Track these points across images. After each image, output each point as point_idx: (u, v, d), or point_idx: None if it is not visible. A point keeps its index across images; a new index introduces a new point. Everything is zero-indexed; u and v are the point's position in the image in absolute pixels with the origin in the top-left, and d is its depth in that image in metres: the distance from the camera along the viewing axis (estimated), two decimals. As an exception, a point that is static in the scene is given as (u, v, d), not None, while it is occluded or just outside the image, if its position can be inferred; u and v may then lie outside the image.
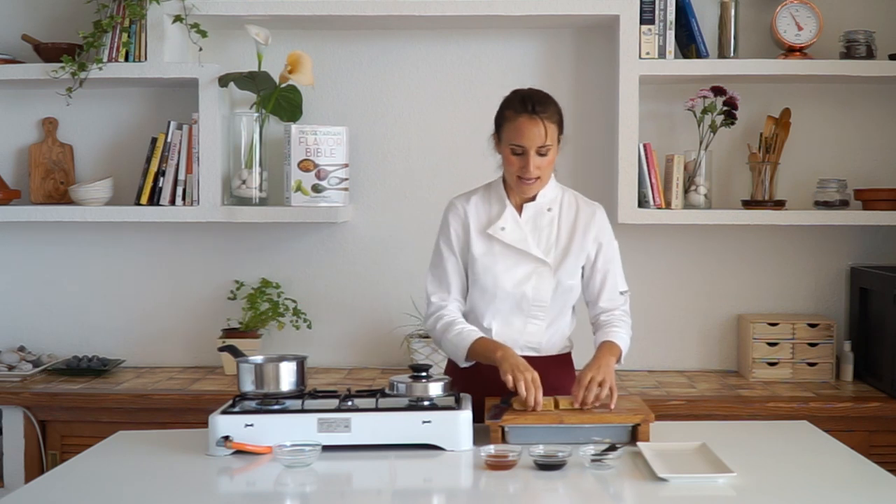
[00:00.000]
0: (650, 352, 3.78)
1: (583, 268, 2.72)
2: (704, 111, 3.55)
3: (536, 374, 2.47)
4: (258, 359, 2.55)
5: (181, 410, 3.29)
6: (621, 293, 2.76)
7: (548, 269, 2.66)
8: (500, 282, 2.66)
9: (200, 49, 3.59)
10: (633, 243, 3.78)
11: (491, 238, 2.68)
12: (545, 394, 2.52)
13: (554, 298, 2.68)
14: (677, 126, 3.73)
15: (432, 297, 2.73)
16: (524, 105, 2.60)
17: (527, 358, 2.65)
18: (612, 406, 2.48)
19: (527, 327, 2.69)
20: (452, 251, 2.72)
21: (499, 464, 2.25)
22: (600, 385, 2.48)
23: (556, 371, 2.72)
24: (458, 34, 3.77)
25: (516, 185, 2.66)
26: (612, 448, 2.28)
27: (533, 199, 2.69)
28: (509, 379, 2.46)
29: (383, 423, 2.39)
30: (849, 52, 3.57)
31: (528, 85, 3.72)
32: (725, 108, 3.55)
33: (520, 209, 2.70)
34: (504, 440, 2.41)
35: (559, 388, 2.67)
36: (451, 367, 2.84)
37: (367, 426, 2.38)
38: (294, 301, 3.77)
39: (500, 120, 2.67)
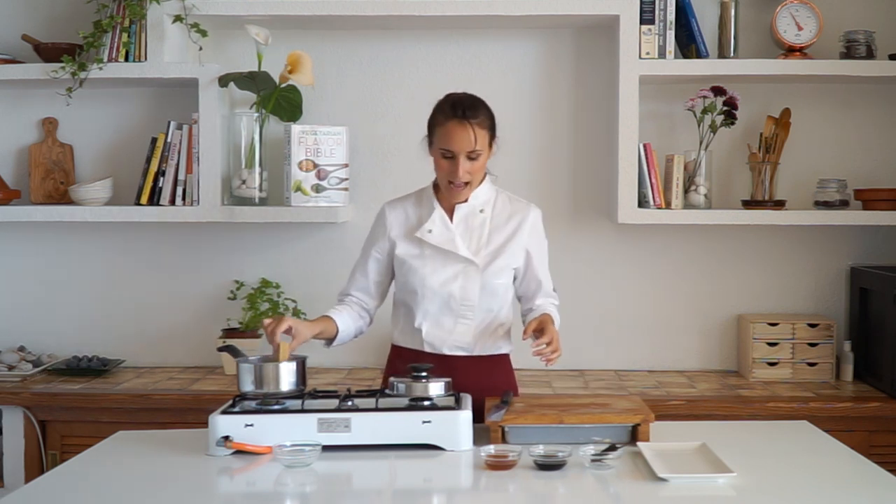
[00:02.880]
0: (650, 352, 3.78)
1: (514, 270, 2.74)
2: (704, 111, 3.55)
3: (285, 322, 2.52)
4: (258, 359, 2.55)
5: (181, 410, 3.30)
6: (553, 290, 2.80)
7: (475, 269, 2.67)
8: (427, 282, 2.68)
9: (200, 49, 3.59)
10: (633, 243, 3.79)
11: (420, 240, 2.70)
12: (474, 391, 2.57)
13: (482, 298, 2.69)
14: (677, 126, 3.73)
15: (347, 284, 2.84)
16: (454, 110, 2.61)
17: (457, 358, 2.69)
18: (549, 363, 2.52)
19: (456, 327, 2.70)
20: (367, 254, 2.80)
21: (499, 464, 2.26)
22: (551, 343, 2.50)
23: (490, 370, 2.72)
24: (458, 34, 3.77)
25: (446, 190, 2.68)
26: (612, 448, 2.28)
27: (465, 200, 2.70)
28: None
29: (383, 423, 2.39)
30: (849, 52, 3.57)
31: (527, 85, 3.77)
32: (725, 108, 3.55)
33: (452, 211, 2.72)
34: (504, 440, 2.41)
35: (493, 388, 2.66)
36: (387, 371, 2.84)
37: (367, 426, 2.38)
38: (294, 301, 3.77)
39: (432, 124, 2.68)
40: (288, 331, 2.53)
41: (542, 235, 2.79)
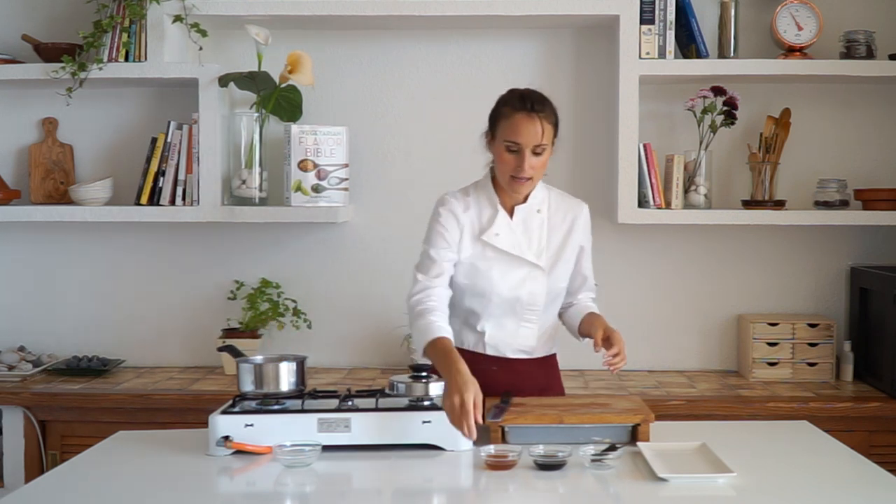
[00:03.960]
0: (650, 352, 3.78)
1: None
2: (704, 111, 3.55)
3: (478, 394, 2.30)
4: (258, 359, 2.55)
5: (181, 410, 3.29)
6: (594, 284, 2.82)
7: (541, 273, 2.66)
8: (495, 287, 2.64)
9: (200, 49, 3.59)
10: (633, 243, 3.79)
11: (484, 243, 2.65)
12: (532, 394, 2.58)
13: (548, 302, 2.69)
14: (677, 126, 3.73)
15: (419, 276, 2.64)
16: (523, 102, 2.57)
17: (519, 361, 2.68)
18: (615, 371, 2.52)
19: (519, 331, 2.69)
20: (446, 241, 2.64)
21: (499, 464, 2.25)
22: (618, 354, 2.51)
23: (544, 372, 2.75)
24: (458, 34, 3.77)
25: (508, 185, 2.62)
26: (612, 448, 2.28)
27: (524, 200, 2.68)
28: (447, 404, 2.31)
29: (383, 423, 2.39)
30: (849, 52, 3.57)
31: (527, 85, 3.75)
32: (725, 108, 3.55)
33: (510, 211, 2.68)
34: (504, 440, 2.41)
35: (547, 388, 2.69)
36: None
37: (367, 426, 2.38)
38: (294, 301, 3.77)
39: (496, 117, 2.63)
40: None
41: (590, 231, 2.77)
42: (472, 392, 2.29)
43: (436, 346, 2.46)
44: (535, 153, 2.56)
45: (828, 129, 3.75)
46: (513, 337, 2.69)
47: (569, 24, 3.69)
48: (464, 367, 2.36)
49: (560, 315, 2.81)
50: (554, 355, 2.82)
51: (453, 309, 2.72)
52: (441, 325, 2.52)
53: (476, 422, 2.28)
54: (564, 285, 2.72)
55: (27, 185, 3.79)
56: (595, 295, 2.82)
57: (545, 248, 2.67)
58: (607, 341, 2.54)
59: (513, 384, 2.64)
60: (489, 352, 2.70)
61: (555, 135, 2.62)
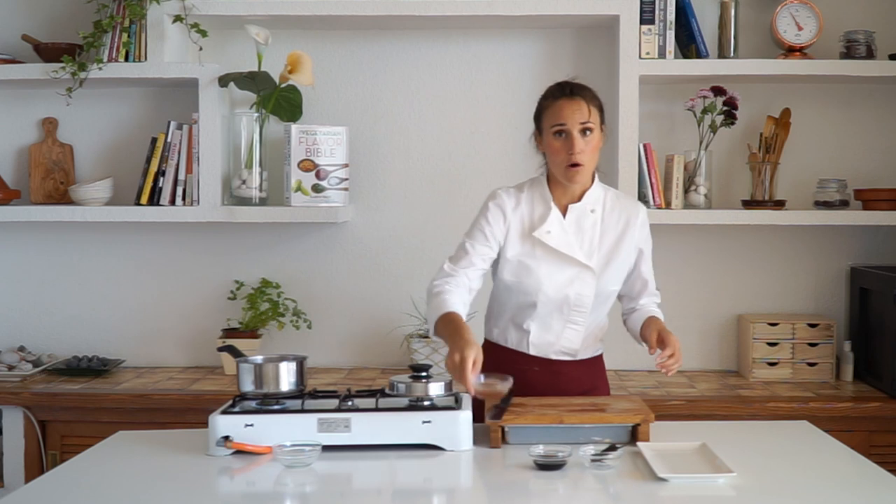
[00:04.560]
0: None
1: (627, 272, 2.71)
2: (704, 111, 3.55)
3: (479, 354, 2.33)
4: (258, 359, 2.54)
5: (181, 410, 3.29)
6: (656, 289, 2.78)
7: (591, 274, 2.62)
8: (542, 286, 2.60)
9: (200, 49, 3.59)
10: (633, 243, 3.79)
11: (534, 240, 2.61)
12: (577, 394, 2.59)
13: (596, 304, 2.65)
14: (677, 126, 3.73)
15: (446, 265, 2.62)
16: (562, 89, 2.59)
17: (562, 363, 2.67)
18: (670, 373, 2.52)
19: (565, 332, 2.66)
20: (485, 236, 2.61)
21: (487, 392, 2.33)
22: (672, 356, 2.51)
23: (590, 372, 2.72)
24: (458, 34, 3.77)
25: (564, 176, 2.57)
26: (612, 448, 2.28)
27: (579, 199, 2.64)
28: (448, 363, 2.34)
29: (383, 423, 2.39)
30: (849, 52, 3.57)
31: (527, 85, 3.76)
32: (725, 108, 3.55)
33: (564, 210, 2.65)
34: (504, 440, 2.41)
35: (592, 390, 2.68)
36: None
37: (367, 426, 2.38)
38: (294, 301, 3.77)
39: (540, 111, 2.63)
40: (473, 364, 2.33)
41: (649, 233, 2.72)
42: (473, 352, 2.31)
43: (445, 319, 2.48)
44: (584, 133, 2.55)
45: (828, 129, 3.75)
46: (557, 338, 2.67)
47: (569, 24, 3.69)
48: (469, 334, 2.37)
49: (624, 321, 2.79)
50: (600, 356, 2.79)
51: (500, 308, 2.71)
52: (453, 302, 2.51)
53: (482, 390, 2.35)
54: (615, 288, 2.67)
55: (27, 185, 3.79)
56: (659, 300, 2.77)
57: (597, 249, 2.63)
58: (662, 343, 2.53)
59: (554, 385, 2.63)
60: (532, 351, 2.68)
61: (602, 120, 2.61)
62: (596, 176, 2.69)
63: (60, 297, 3.86)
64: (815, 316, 3.70)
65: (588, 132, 2.56)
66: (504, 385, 2.38)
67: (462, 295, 2.56)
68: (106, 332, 3.85)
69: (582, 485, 2.18)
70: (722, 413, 3.24)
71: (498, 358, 2.67)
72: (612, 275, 2.65)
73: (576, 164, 2.55)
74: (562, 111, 2.55)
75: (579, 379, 2.68)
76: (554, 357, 2.68)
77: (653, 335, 2.56)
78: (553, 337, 2.67)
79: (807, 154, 3.73)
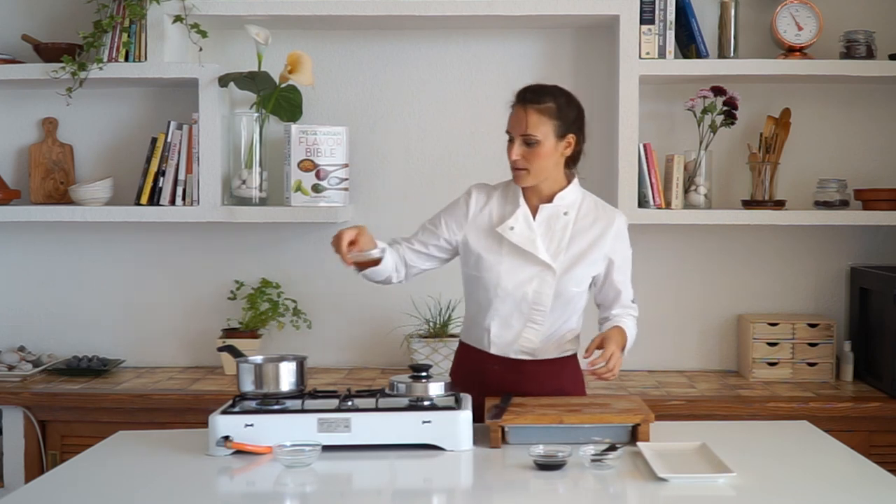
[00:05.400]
0: (650, 352, 3.78)
1: (594, 277, 2.69)
2: (704, 111, 3.55)
3: (359, 234, 2.57)
4: (258, 359, 2.54)
5: (181, 410, 3.30)
6: (632, 301, 2.75)
7: (552, 274, 2.63)
8: (501, 282, 2.64)
9: (200, 49, 3.59)
10: (632, 243, 3.76)
11: (499, 236, 2.65)
12: (538, 395, 2.57)
13: (556, 305, 2.65)
14: (677, 126, 3.73)
15: (401, 237, 2.79)
16: (520, 96, 2.63)
17: (522, 362, 2.67)
18: (596, 379, 2.50)
19: (524, 331, 2.67)
20: (437, 225, 2.74)
21: (360, 261, 2.53)
22: (608, 361, 2.47)
23: (555, 373, 2.70)
24: (458, 34, 3.77)
25: (512, 176, 2.66)
26: (612, 448, 2.28)
27: (550, 200, 2.66)
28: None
29: (383, 423, 2.39)
30: (849, 52, 3.57)
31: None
32: (725, 108, 3.55)
33: (534, 210, 2.67)
34: (504, 440, 2.41)
35: (555, 392, 2.65)
36: (454, 368, 2.84)
37: (367, 426, 2.38)
38: (294, 301, 3.77)
39: None
40: (353, 241, 2.55)
41: (627, 243, 2.72)
42: (352, 231, 2.55)
43: None
44: (526, 143, 2.58)
45: (828, 129, 3.75)
46: (516, 337, 2.68)
47: (569, 24, 3.69)
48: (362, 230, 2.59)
49: (600, 329, 2.77)
50: (569, 358, 2.75)
51: (467, 304, 2.77)
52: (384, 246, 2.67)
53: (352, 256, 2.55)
54: (577, 290, 2.66)
55: (27, 185, 3.79)
56: (636, 313, 2.74)
57: (564, 250, 2.64)
58: (599, 348, 2.50)
59: (514, 385, 2.63)
60: (493, 350, 2.69)
61: (563, 130, 2.61)
62: (575, 180, 2.70)
63: (60, 297, 3.86)
64: (815, 316, 3.70)
65: (532, 143, 2.58)
66: (376, 252, 2.54)
67: (388, 254, 2.68)
68: (106, 332, 3.85)
69: (582, 485, 2.18)
70: (722, 413, 3.24)
71: (465, 357, 2.75)
72: (575, 278, 2.64)
73: (518, 168, 2.61)
74: (511, 118, 2.63)
75: (541, 380, 2.66)
76: (514, 356, 2.68)
77: (594, 340, 2.53)
78: (512, 336, 2.68)
79: (807, 154, 3.73)
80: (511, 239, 2.64)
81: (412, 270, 2.77)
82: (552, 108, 2.59)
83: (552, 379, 2.69)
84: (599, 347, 2.51)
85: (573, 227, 2.66)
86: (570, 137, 2.63)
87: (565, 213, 2.66)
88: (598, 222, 2.67)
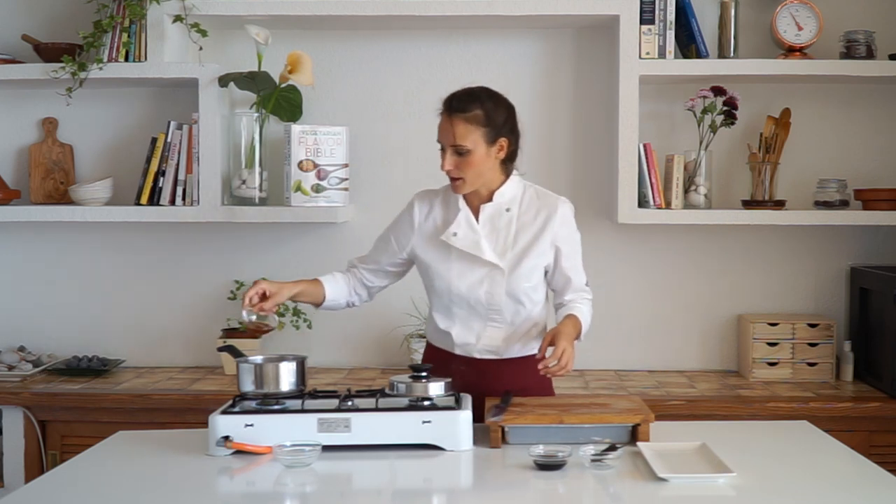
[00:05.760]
0: (650, 352, 3.78)
1: (545, 267, 2.67)
2: (704, 111, 3.55)
3: (269, 289, 2.59)
4: (258, 359, 2.54)
5: (181, 410, 3.30)
6: (585, 285, 2.73)
7: (500, 273, 2.62)
8: (453, 287, 2.64)
9: (200, 49, 3.59)
10: (633, 243, 3.79)
11: (446, 243, 2.65)
12: (517, 394, 2.56)
13: (509, 302, 2.64)
14: (677, 126, 3.73)
15: (356, 257, 2.82)
16: (446, 104, 2.59)
17: (487, 362, 2.67)
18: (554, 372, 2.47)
19: (485, 331, 2.67)
20: (388, 239, 2.77)
21: (254, 324, 2.62)
22: (560, 358, 2.45)
23: (520, 373, 2.67)
24: (458, 34, 3.77)
25: (450, 184, 2.65)
26: (612, 448, 2.28)
27: (490, 199, 2.65)
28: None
29: (383, 423, 2.39)
30: (849, 52, 3.57)
31: (527, 85, 3.77)
32: (725, 108, 3.55)
33: (476, 211, 2.66)
34: (504, 440, 2.41)
35: (521, 391, 2.61)
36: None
37: (367, 426, 2.38)
38: (294, 301, 3.76)
39: None
40: (263, 295, 2.56)
41: (573, 229, 2.70)
42: (261, 285, 2.58)
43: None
44: (458, 153, 2.56)
45: (828, 129, 3.75)
46: (478, 338, 2.67)
47: (569, 24, 3.69)
48: (285, 284, 2.65)
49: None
50: (535, 358, 2.70)
51: (430, 308, 2.77)
52: (326, 278, 2.75)
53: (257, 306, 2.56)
54: (530, 285, 2.64)
55: (27, 185, 3.79)
56: (589, 296, 2.72)
57: (510, 247, 2.64)
58: (552, 345, 2.48)
59: (479, 385, 2.60)
60: (457, 351, 2.70)
61: (494, 135, 2.57)
62: (513, 175, 2.68)
63: (60, 297, 3.86)
64: (815, 316, 3.70)
65: (463, 153, 2.56)
66: (271, 320, 2.57)
67: (340, 282, 2.76)
68: (106, 332, 3.85)
69: (582, 485, 2.18)
70: (722, 413, 3.24)
71: (432, 357, 2.74)
72: (523, 273, 2.63)
73: (453, 178, 2.60)
74: (440, 129, 2.60)
75: (507, 379, 2.64)
76: (478, 356, 2.68)
77: (546, 338, 2.51)
78: (474, 337, 2.68)
79: (807, 154, 3.73)
80: (455, 244, 2.63)
81: (373, 290, 2.82)
82: (479, 115, 2.56)
83: (518, 378, 2.67)
84: (552, 344, 2.49)
85: (517, 223, 2.65)
86: (502, 141, 2.60)
87: (507, 210, 2.65)
88: (541, 212, 2.66)
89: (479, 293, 2.63)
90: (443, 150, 2.59)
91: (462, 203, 2.66)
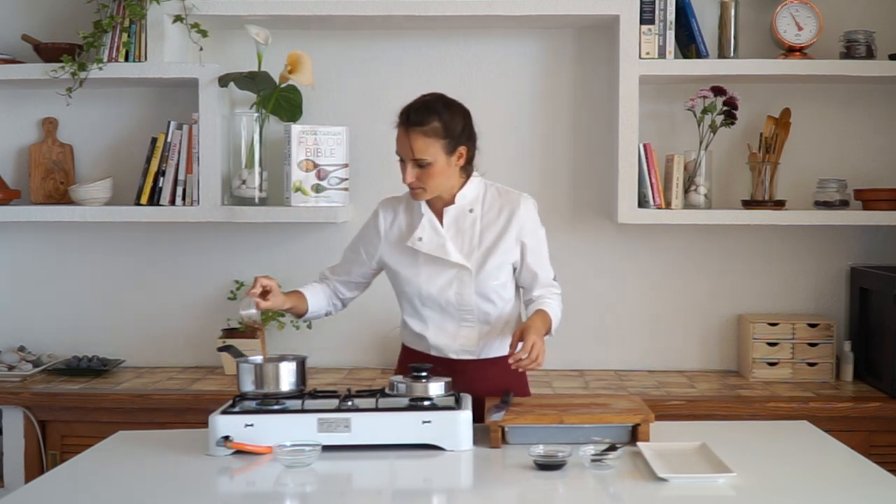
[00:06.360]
0: (650, 352, 3.78)
1: (512, 264, 2.67)
2: (704, 111, 3.55)
3: (268, 284, 2.58)
4: (258, 359, 2.54)
5: (181, 410, 3.30)
6: (553, 280, 2.73)
7: (468, 274, 2.63)
8: (423, 291, 2.65)
9: (201, 49, 3.59)
10: (633, 243, 3.79)
11: (413, 248, 2.66)
12: (483, 395, 2.56)
13: (479, 302, 2.65)
14: (677, 126, 3.73)
15: (327, 269, 2.84)
16: (401, 116, 2.59)
17: (464, 363, 2.67)
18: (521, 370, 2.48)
19: (460, 332, 2.68)
20: (356, 250, 2.79)
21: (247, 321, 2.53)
22: (530, 352, 2.44)
23: (499, 372, 2.66)
24: (458, 34, 3.77)
25: (411, 194, 2.65)
26: (612, 448, 2.28)
27: (452, 202, 2.66)
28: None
29: (383, 423, 2.39)
30: (849, 52, 3.57)
31: (527, 85, 3.76)
32: (725, 108, 3.55)
33: (440, 214, 2.67)
34: (504, 440, 2.41)
35: (508, 389, 2.61)
36: (397, 371, 2.83)
37: (367, 426, 2.38)
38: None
39: None
40: (264, 293, 2.57)
41: (537, 224, 2.70)
42: (262, 280, 2.57)
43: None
44: (419, 165, 2.56)
45: (828, 129, 3.75)
46: (453, 339, 2.68)
47: (569, 24, 3.69)
48: (287, 296, 2.66)
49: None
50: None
51: (402, 310, 2.77)
52: (305, 287, 2.76)
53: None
54: (498, 283, 2.65)
55: (27, 185, 3.79)
56: (558, 290, 2.72)
57: (477, 247, 2.64)
58: (525, 350, 2.46)
59: (457, 386, 2.57)
60: (433, 353, 2.70)
61: (453, 145, 2.57)
62: (473, 176, 2.68)
63: (60, 297, 3.86)
64: (815, 316, 3.70)
65: (423, 165, 2.56)
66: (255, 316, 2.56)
67: (320, 294, 2.78)
68: (106, 332, 3.85)
69: (582, 485, 2.18)
70: (722, 413, 3.24)
71: (408, 360, 2.73)
72: (491, 271, 2.64)
73: (414, 189, 2.61)
74: (398, 141, 2.60)
75: (485, 379, 2.65)
76: (454, 357, 2.68)
77: (516, 334, 2.51)
78: (449, 338, 2.68)
79: (807, 154, 3.73)
80: (422, 249, 2.64)
81: (346, 301, 2.86)
82: (437, 127, 2.55)
83: (494, 379, 2.66)
84: (522, 339, 2.48)
85: (481, 222, 2.66)
86: (461, 149, 2.60)
87: (471, 211, 2.66)
88: (504, 210, 2.66)
89: (448, 295, 2.64)
90: (402, 161, 2.60)
91: (425, 208, 2.67)
